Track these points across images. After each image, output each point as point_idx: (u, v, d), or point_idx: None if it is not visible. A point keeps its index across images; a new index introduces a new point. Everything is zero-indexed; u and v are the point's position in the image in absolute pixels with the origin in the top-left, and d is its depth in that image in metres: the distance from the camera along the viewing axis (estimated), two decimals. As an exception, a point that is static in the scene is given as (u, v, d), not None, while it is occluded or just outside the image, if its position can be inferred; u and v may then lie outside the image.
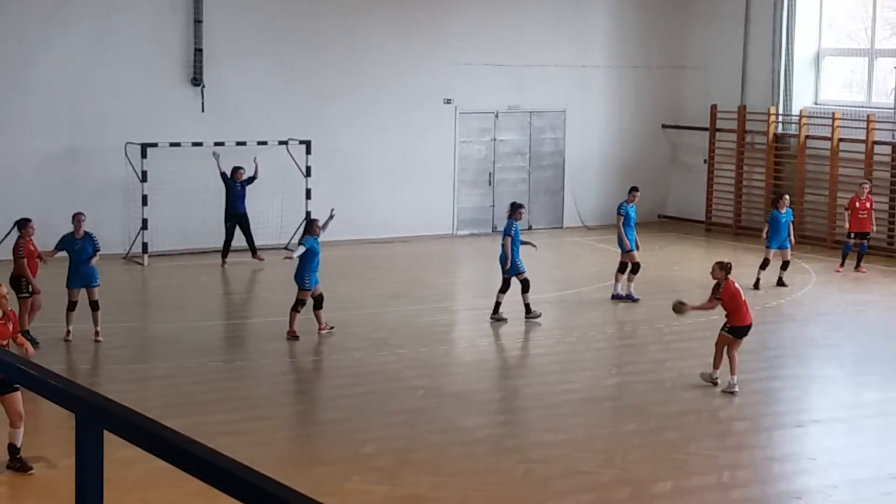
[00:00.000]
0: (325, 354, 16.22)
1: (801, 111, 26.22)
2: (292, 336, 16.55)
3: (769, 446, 12.64)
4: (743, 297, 14.38)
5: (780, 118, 26.68)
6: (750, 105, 27.04)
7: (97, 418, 2.88)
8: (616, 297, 19.43)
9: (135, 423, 2.81)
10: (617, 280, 19.57)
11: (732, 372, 14.26)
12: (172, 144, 22.47)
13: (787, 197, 21.56)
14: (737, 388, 14.21)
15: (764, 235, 21.11)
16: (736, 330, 14.36)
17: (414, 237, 25.22)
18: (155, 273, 21.70)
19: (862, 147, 24.71)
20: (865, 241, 22.27)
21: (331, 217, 17.43)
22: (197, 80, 23.37)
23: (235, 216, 22.10)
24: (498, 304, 17.91)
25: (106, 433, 2.87)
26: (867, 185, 22.44)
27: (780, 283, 20.81)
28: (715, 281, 14.54)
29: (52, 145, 22.28)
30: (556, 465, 11.56)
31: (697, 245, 25.58)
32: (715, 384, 14.39)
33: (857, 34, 26.94)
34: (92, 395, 2.95)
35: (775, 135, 26.68)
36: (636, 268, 19.47)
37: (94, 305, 16.14)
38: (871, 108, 25.32)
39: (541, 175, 27.43)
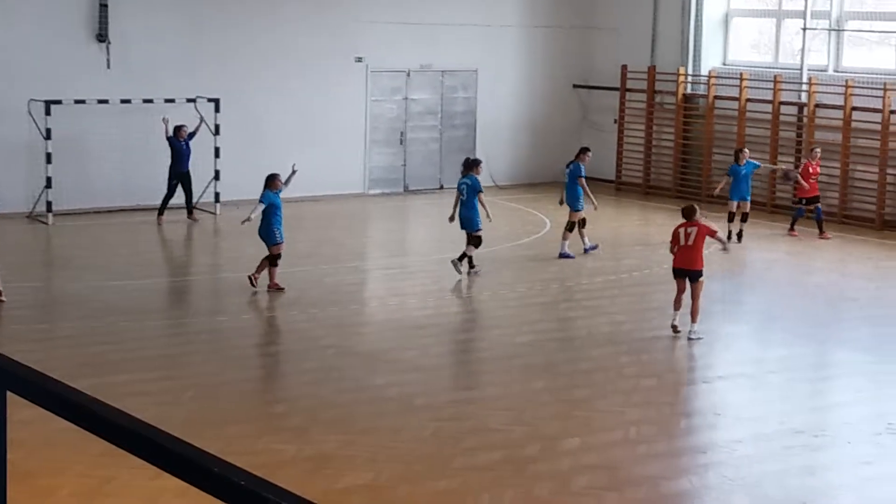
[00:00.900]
0: (235, 314, 16.09)
1: (709, 72, 26.49)
2: (276, 288, 16.74)
3: (676, 402, 12.84)
4: (681, 242, 14.80)
5: (690, 78, 26.93)
6: (660, 65, 27.25)
7: (-1, 379, 2.82)
8: (589, 250, 19.81)
9: (38, 383, 2.76)
10: (582, 236, 19.82)
11: (692, 320, 14.71)
12: (77, 102, 22.04)
13: (747, 150, 21.86)
14: (692, 336, 14.68)
15: (718, 190, 21.54)
16: (673, 270, 15.05)
17: (325, 196, 25.08)
18: (60, 232, 21.34)
19: (769, 107, 25.04)
20: (819, 206, 22.00)
21: (293, 173, 17.43)
22: (102, 36, 22.91)
23: (179, 174, 22.14)
24: (469, 257, 18.14)
25: (9, 394, 2.82)
26: (818, 150, 22.40)
27: (739, 236, 21.21)
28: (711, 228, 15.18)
29: (-48, 101, 21.74)
30: (465, 423, 11.63)
31: (607, 204, 25.73)
32: (675, 330, 14.84)
33: (765, -4, 27.23)
34: (-7, 356, 2.89)
35: (684, 95, 26.95)
36: (571, 226, 19.70)
37: (-6, 265, 15.84)
38: (778, 68, 25.65)
39: (452, 134, 27.41)
